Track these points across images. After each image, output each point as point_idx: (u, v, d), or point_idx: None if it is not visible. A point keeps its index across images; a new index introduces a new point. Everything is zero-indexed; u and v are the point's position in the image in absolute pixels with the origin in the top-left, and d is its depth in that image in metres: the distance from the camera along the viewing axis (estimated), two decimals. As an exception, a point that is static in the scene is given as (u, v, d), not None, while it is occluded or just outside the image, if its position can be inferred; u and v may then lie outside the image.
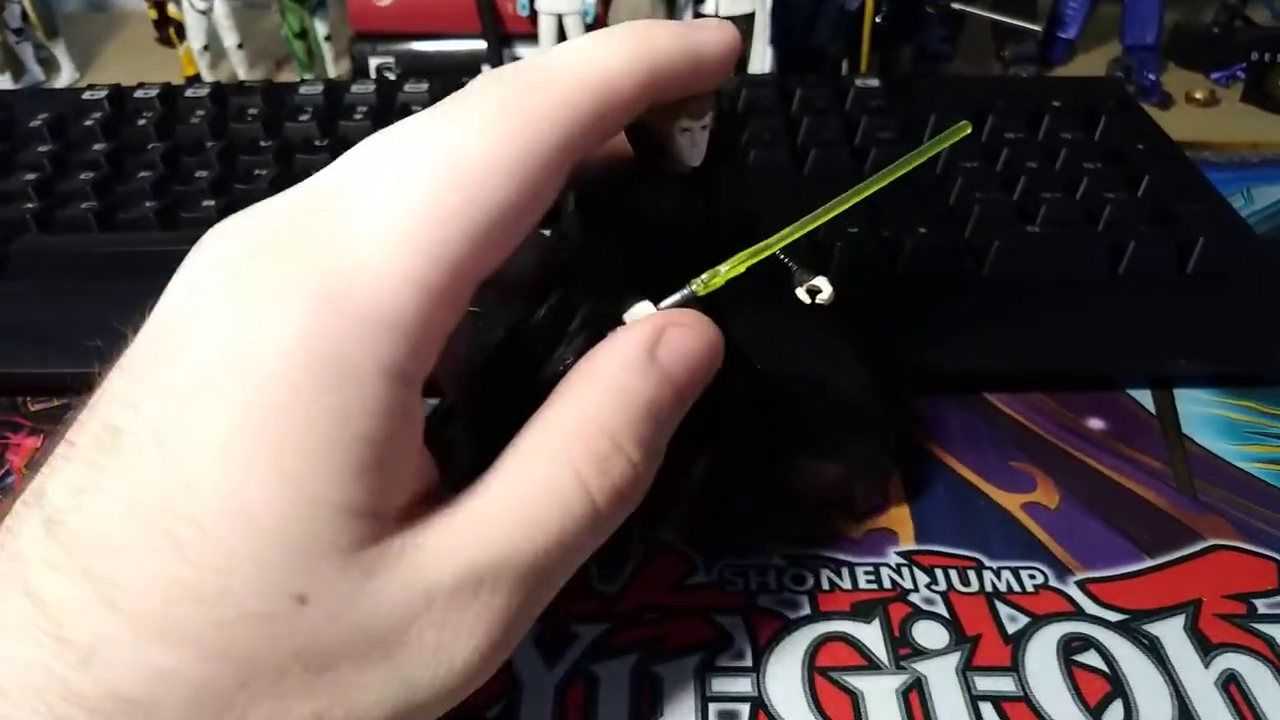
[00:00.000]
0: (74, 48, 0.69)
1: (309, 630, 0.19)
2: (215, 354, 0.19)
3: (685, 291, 0.25)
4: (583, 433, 0.22)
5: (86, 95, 0.52)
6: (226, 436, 0.18)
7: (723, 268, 0.25)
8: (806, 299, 0.27)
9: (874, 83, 0.52)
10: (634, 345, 0.23)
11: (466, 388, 0.26)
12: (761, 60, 0.60)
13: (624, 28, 0.23)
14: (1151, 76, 0.64)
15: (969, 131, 0.28)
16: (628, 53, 0.22)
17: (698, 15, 0.59)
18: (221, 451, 0.18)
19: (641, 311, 0.25)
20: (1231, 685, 0.29)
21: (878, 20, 0.58)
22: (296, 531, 0.19)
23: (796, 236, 0.25)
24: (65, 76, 0.68)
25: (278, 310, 0.19)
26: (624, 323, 0.25)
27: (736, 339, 0.26)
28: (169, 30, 0.68)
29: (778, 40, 0.60)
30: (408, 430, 0.20)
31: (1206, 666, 0.30)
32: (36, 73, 0.67)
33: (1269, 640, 0.30)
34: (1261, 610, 0.31)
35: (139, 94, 0.53)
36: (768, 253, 0.25)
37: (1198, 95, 0.63)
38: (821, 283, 0.27)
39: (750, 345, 0.28)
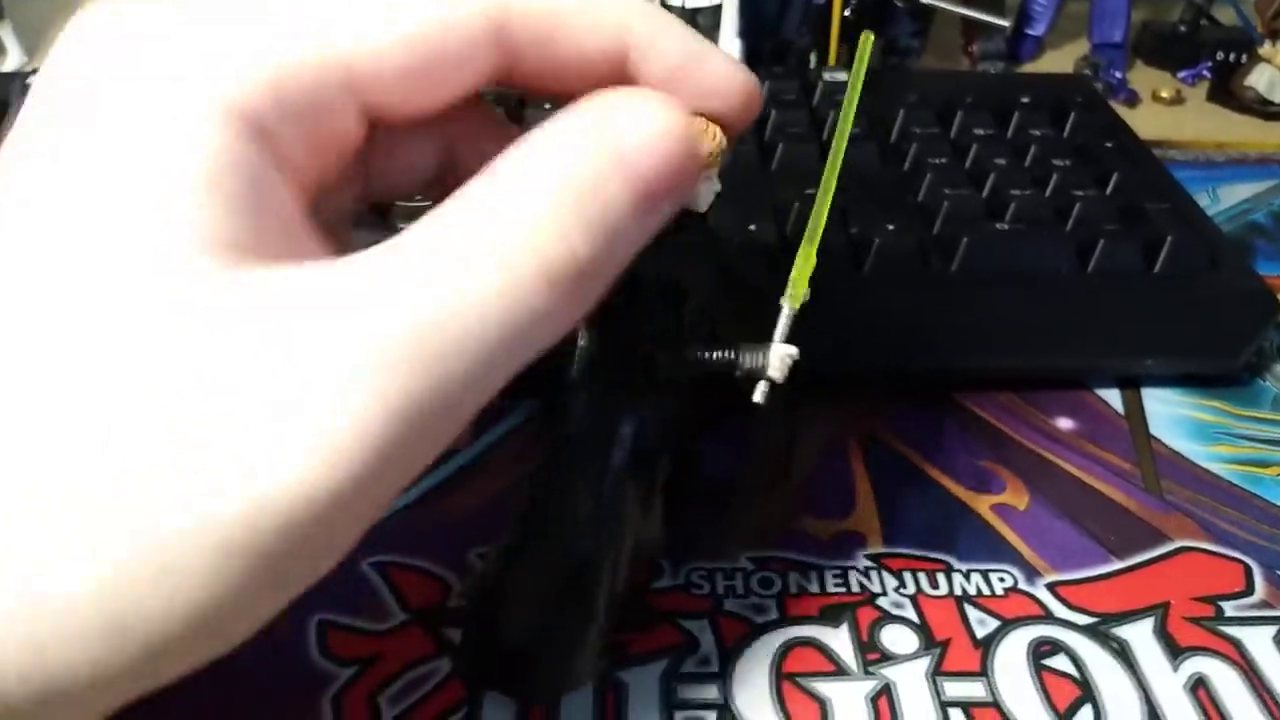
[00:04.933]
0: (21, 30, 0.67)
1: None
2: None
3: (786, 312, 0.25)
4: (520, 216, 0.19)
5: (33, 80, 0.51)
6: None
7: (794, 274, 0.25)
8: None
9: (842, 76, 0.52)
10: (579, 127, 0.21)
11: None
12: (730, 53, 0.59)
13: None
14: (1119, 75, 0.64)
15: (873, 38, 0.28)
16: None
17: (664, 6, 0.58)
18: None
19: (777, 353, 0.24)
20: (1200, 689, 0.29)
21: (846, 13, 0.58)
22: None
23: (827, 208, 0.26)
24: (12, 60, 0.66)
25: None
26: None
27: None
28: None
29: (746, 33, 0.59)
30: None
31: (1175, 670, 0.29)
32: (-16, 56, 0.65)
33: (1236, 643, 0.30)
34: (1229, 613, 0.31)
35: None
36: (819, 232, 0.26)
37: (1164, 94, 0.63)
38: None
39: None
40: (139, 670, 0.16)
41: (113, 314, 0.16)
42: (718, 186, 0.23)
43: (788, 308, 0.25)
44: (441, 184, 0.26)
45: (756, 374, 0.25)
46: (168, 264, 0.17)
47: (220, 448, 0.16)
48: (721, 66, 0.23)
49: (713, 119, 0.23)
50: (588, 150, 0.20)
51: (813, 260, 0.25)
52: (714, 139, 0.23)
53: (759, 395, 0.25)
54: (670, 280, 0.25)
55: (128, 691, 0.17)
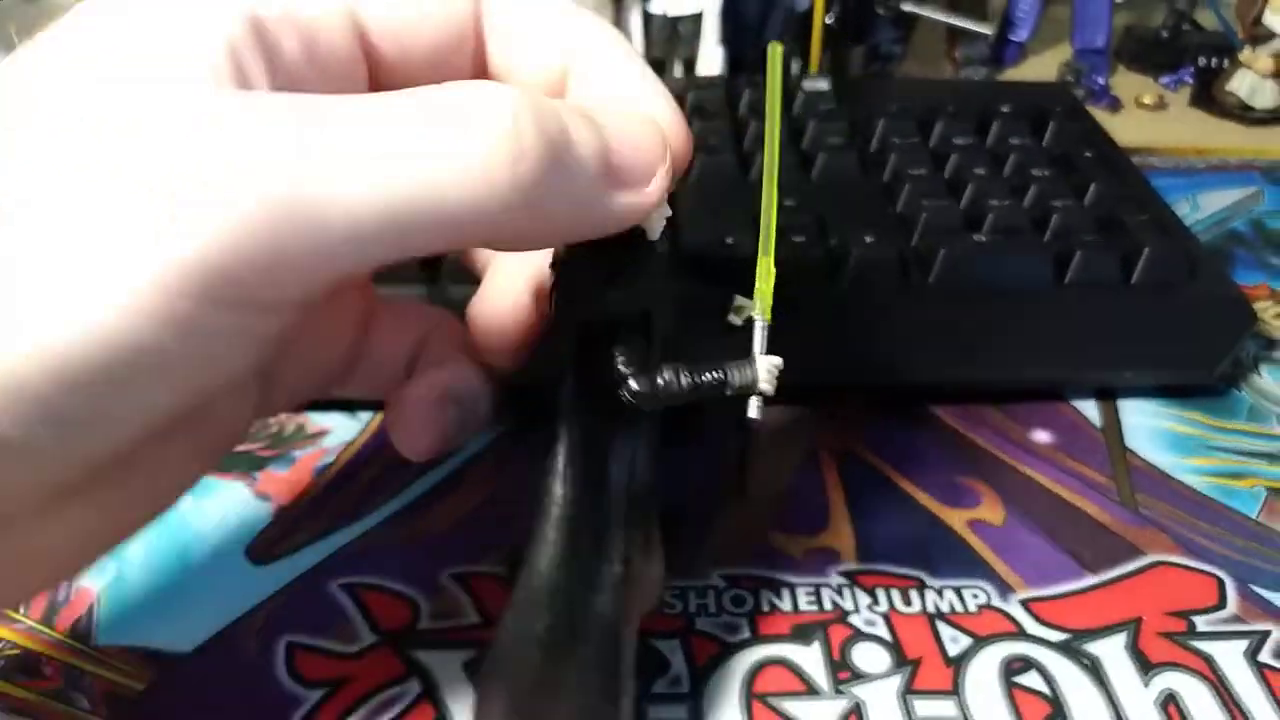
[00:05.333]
0: (2, 41, 0.67)
1: None
2: None
3: (760, 325, 0.25)
4: (488, 90, 0.20)
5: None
6: None
7: (760, 285, 0.25)
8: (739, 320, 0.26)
9: (823, 85, 0.52)
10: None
11: None
12: (711, 60, 0.59)
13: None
14: (1101, 80, 0.64)
15: (780, 47, 0.28)
16: None
17: (645, 14, 0.58)
18: None
19: (763, 365, 0.24)
20: (1170, 705, 0.29)
21: (828, 21, 0.58)
22: None
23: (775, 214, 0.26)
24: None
25: None
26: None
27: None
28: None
29: (727, 40, 0.59)
30: None
31: (1146, 686, 0.29)
32: (-34, 67, 0.65)
33: (1208, 658, 0.30)
34: (1201, 628, 0.31)
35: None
36: (773, 240, 0.26)
37: (1146, 100, 0.63)
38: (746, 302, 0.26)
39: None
40: None
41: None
42: (668, 212, 0.23)
43: (760, 321, 0.25)
44: (350, 376, 0.28)
45: (747, 389, 0.25)
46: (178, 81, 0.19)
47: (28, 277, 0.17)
48: (658, 111, 0.24)
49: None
50: (562, 102, 0.21)
51: (773, 271, 0.25)
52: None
53: (754, 411, 0.25)
54: (641, 312, 0.25)
55: None
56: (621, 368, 0.24)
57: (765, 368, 0.24)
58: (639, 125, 0.22)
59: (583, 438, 0.24)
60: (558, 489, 0.24)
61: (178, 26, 0.20)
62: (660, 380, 0.24)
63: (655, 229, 0.23)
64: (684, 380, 0.24)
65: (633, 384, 0.24)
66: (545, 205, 0.20)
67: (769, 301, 0.25)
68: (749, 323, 0.26)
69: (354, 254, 0.19)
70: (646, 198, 0.22)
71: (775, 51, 0.27)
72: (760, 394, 0.25)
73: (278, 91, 0.20)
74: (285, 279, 0.19)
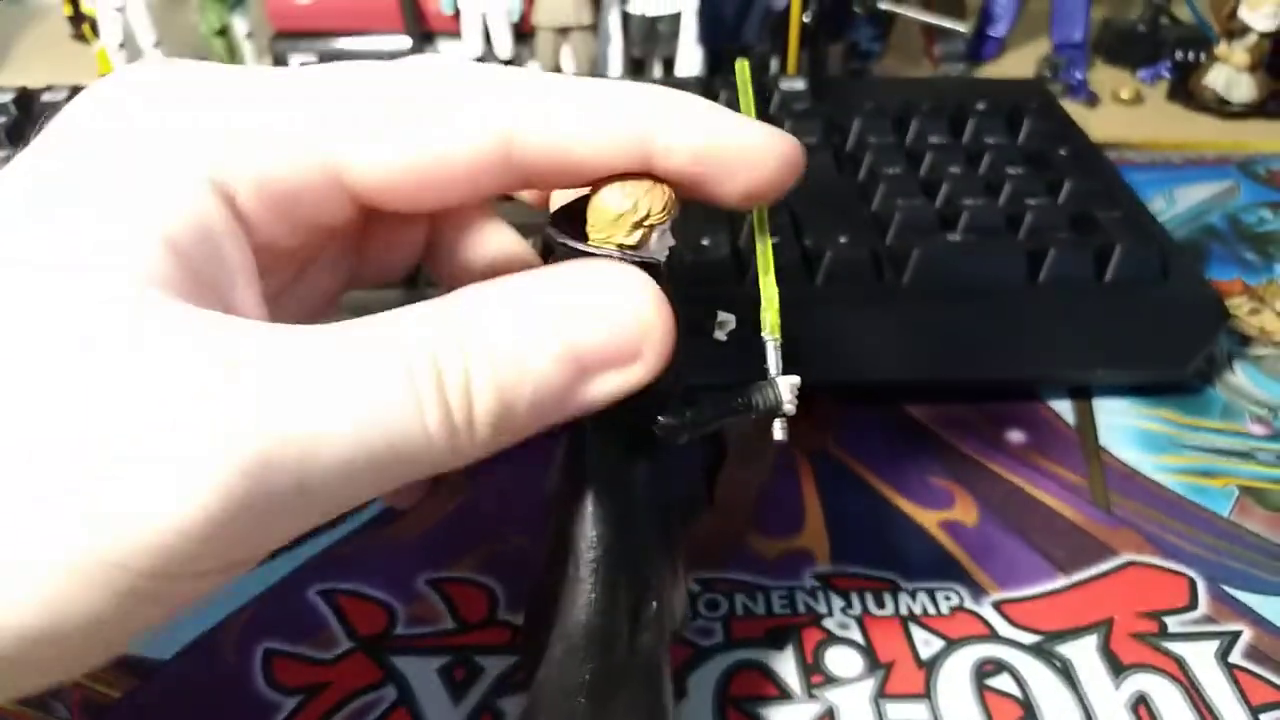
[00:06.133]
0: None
1: None
2: None
3: (771, 344, 0.24)
4: (434, 354, 0.19)
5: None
6: None
7: (765, 306, 0.24)
8: (722, 336, 0.26)
9: (799, 85, 0.52)
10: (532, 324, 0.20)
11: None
12: (690, 60, 0.59)
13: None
14: (1079, 76, 0.64)
15: (746, 61, 0.27)
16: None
17: (624, 14, 0.58)
18: None
19: (785, 386, 0.24)
20: (1141, 706, 0.29)
21: (805, 19, 0.58)
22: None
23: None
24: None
25: None
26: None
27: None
28: (84, 26, 0.66)
29: (705, 39, 0.59)
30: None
31: (1117, 688, 0.30)
32: (-58, 70, 0.65)
33: (1179, 660, 0.30)
34: (1172, 629, 0.31)
35: (47, 97, 0.51)
36: (770, 257, 0.25)
37: (1124, 94, 0.63)
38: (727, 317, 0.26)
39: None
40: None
41: (40, 328, 0.17)
42: (671, 241, 0.23)
43: (772, 341, 0.24)
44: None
45: (772, 412, 0.24)
46: (103, 292, 0.17)
47: (99, 483, 0.16)
48: (751, 138, 0.22)
49: (755, 190, 0.23)
50: (529, 309, 0.20)
51: (776, 290, 0.24)
52: (664, 197, 0.22)
53: (779, 433, 0.24)
54: None
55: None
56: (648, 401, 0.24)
57: (788, 387, 0.24)
58: (614, 311, 0.21)
59: (609, 474, 0.24)
60: (589, 531, 0.24)
61: (132, 196, 0.19)
62: (688, 413, 0.24)
63: (659, 254, 0.23)
64: (709, 411, 0.23)
65: (661, 418, 0.24)
66: (507, 435, 0.20)
67: (777, 320, 0.24)
68: (732, 336, 0.26)
69: (344, 492, 0.19)
70: (636, 375, 0.21)
71: (743, 66, 0.27)
72: (784, 415, 0.24)
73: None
74: (257, 541, 0.18)
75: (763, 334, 0.24)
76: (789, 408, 0.24)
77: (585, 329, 0.20)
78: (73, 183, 0.19)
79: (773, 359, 0.24)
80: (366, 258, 0.26)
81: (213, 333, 0.18)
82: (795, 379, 0.24)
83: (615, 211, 0.22)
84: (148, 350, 0.17)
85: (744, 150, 0.22)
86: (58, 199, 0.19)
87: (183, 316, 0.18)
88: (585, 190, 0.23)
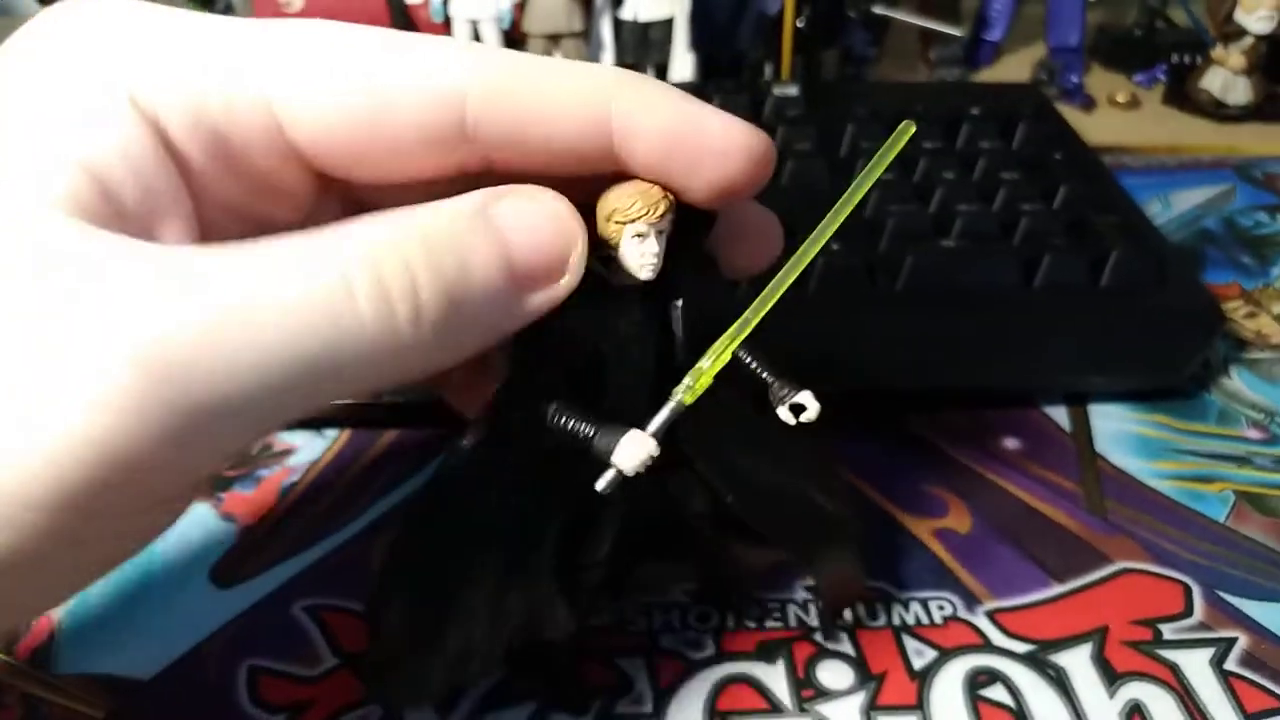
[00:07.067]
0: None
1: None
2: None
3: (672, 404, 0.22)
4: (372, 243, 0.19)
5: None
6: None
7: (704, 363, 0.23)
8: (790, 418, 0.24)
9: (792, 91, 0.51)
10: (460, 199, 0.20)
11: None
12: (683, 66, 0.59)
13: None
14: (1075, 79, 0.64)
15: (913, 130, 0.25)
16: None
17: (616, 21, 0.58)
18: None
19: (630, 441, 0.22)
20: (1135, 715, 0.29)
21: (799, 25, 0.58)
22: None
23: (771, 304, 0.23)
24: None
25: None
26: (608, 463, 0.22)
27: (701, 471, 0.25)
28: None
29: (699, 45, 0.59)
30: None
31: (1111, 697, 0.29)
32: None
33: (1173, 667, 0.30)
34: (1167, 636, 0.31)
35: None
36: (748, 330, 0.23)
37: (1120, 98, 0.63)
38: (806, 398, 0.24)
39: (716, 475, 0.26)
40: None
41: None
42: (655, 250, 0.22)
43: (676, 401, 0.23)
44: None
45: (603, 458, 0.22)
46: (26, 214, 0.17)
47: None
48: (719, 128, 0.22)
49: (723, 184, 0.22)
50: (464, 213, 0.20)
51: (727, 358, 0.23)
52: (649, 197, 0.22)
53: (601, 483, 0.22)
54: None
55: None
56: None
57: (635, 449, 0.22)
58: (545, 219, 0.21)
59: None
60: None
61: (48, 121, 0.19)
62: (545, 411, 0.23)
63: (639, 266, 0.22)
64: (558, 420, 0.23)
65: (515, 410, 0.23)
66: (454, 338, 0.20)
67: (703, 386, 0.23)
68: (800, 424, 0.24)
69: (268, 411, 0.18)
70: (559, 290, 0.21)
71: (907, 128, 0.25)
72: (615, 469, 0.22)
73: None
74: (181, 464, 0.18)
75: (675, 388, 0.23)
76: (623, 467, 0.22)
77: (523, 241, 0.20)
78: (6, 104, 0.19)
79: (662, 418, 0.22)
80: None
81: (112, 246, 0.17)
82: (652, 449, 0.22)
83: (609, 207, 0.22)
84: (27, 264, 0.17)
85: (710, 138, 0.22)
86: None
87: (80, 233, 0.17)
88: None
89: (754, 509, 0.27)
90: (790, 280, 0.23)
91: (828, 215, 0.24)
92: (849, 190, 0.24)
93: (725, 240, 0.25)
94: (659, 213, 0.22)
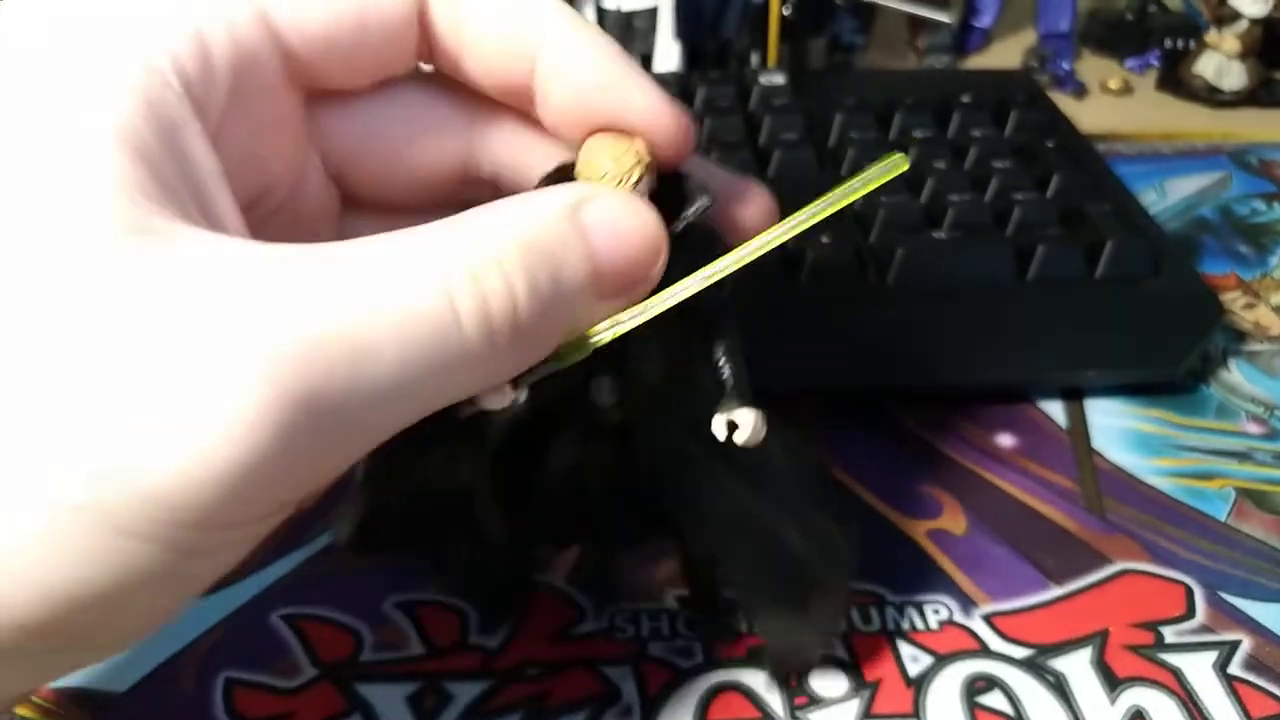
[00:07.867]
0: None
1: None
2: None
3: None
4: (464, 247, 0.18)
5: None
6: None
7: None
8: (722, 432, 0.22)
9: (779, 80, 0.51)
10: (550, 199, 0.20)
11: None
12: (668, 56, 0.58)
13: None
14: (1066, 66, 0.63)
15: (905, 168, 0.23)
16: None
17: (599, 10, 0.57)
18: None
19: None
20: (1138, 722, 0.28)
21: (785, 12, 0.57)
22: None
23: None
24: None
25: None
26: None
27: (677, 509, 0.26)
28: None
29: (684, 34, 0.58)
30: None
31: (1113, 703, 0.28)
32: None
33: (1176, 672, 0.29)
34: (1169, 639, 0.30)
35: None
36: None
37: (1112, 84, 0.62)
38: (744, 418, 0.22)
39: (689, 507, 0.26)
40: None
41: (16, 269, 0.16)
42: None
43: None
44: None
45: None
46: (77, 211, 0.16)
47: (107, 431, 0.15)
48: (643, 100, 0.22)
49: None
50: (556, 217, 0.19)
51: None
52: (638, 156, 0.21)
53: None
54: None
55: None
56: None
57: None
58: (634, 228, 0.20)
59: None
60: None
61: (73, 95, 0.17)
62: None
63: None
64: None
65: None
66: (532, 350, 0.20)
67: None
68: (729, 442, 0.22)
69: (394, 412, 0.18)
70: (634, 299, 0.21)
71: (900, 163, 0.23)
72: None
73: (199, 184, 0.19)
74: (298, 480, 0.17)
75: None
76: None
77: (610, 251, 0.20)
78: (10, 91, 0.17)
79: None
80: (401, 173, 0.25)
81: (212, 247, 0.17)
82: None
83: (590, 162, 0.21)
84: (139, 276, 0.16)
85: (636, 111, 0.22)
86: None
87: (169, 234, 0.16)
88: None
89: (719, 539, 0.27)
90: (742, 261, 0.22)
91: (786, 221, 0.22)
92: (815, 205, 0.22)
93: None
94: (633, 180, 0.21)
